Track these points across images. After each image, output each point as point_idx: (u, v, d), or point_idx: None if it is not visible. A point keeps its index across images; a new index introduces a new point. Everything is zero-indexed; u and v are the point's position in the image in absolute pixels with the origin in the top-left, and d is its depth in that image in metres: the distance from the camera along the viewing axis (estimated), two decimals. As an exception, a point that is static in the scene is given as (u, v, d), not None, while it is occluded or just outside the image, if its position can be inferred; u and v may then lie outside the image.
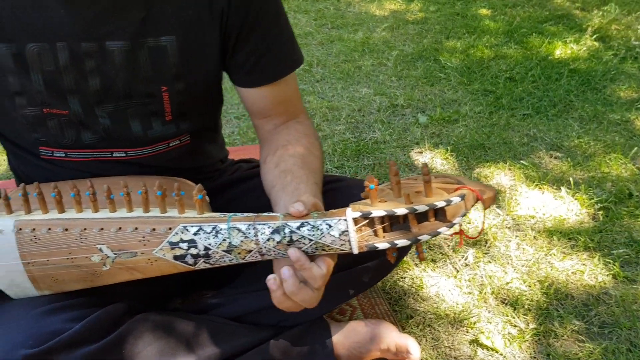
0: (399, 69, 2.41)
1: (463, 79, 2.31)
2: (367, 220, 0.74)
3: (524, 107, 2.09)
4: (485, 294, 1.25)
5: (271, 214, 0.78)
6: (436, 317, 1.20)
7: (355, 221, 0.74)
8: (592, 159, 1.78)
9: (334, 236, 0.74)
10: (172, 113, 0.96)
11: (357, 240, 0.74)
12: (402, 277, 1.30)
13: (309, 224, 0.74)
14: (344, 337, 1.04)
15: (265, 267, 0.94)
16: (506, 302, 1.24)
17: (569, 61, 2.48)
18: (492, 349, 1.12)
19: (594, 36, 2.74)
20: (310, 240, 0.74)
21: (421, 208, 0.73)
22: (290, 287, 0.76)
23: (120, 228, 0.79)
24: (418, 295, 1.26)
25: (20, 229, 0.81)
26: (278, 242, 0.75)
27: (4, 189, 0.86)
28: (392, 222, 0.75)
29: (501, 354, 1.11)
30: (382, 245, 0.74)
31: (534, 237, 1.43)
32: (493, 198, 0.80)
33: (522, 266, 1.34)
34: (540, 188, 1.63)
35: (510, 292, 1.26)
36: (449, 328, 1.17)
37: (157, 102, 0.94)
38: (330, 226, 0.74)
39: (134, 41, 0.88)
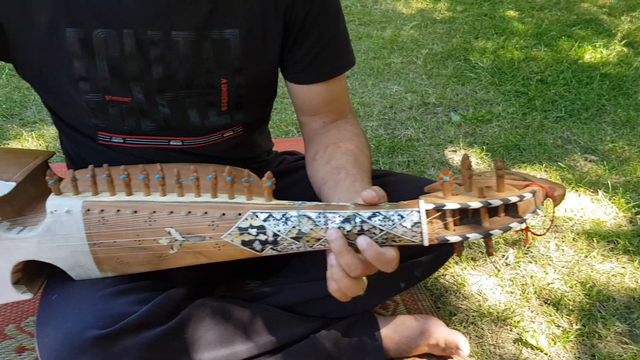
0: (428, 68, 2.41)
1: (494, 80, 2.30)
2: (439, 213, 0.74)
3: (557, 109, 2.09)
4: (527, 293, 1.25)
5: (341, 203, 0.78)
6: (479, 315, 1.20)
7: (427, 213, 0.74)
8: (627, 163, 1.77)
9: (405, 227, 0.74)
10: (228, 104, 0.96)
11: (428, 233, 0.74)
12: (443, 275, 1.30)
13: (380, 214, 0.74)
14: (392, 331, 1.04)
15: (314, 259, 0.94)
16: (548, 302, 1.24)
17: (599, 65, 2.47)
18: (537, 348, 1.12)
19: (623, 41, 2.73)
20: (382, 230, 0.74)
21: (495, 202, 0.73)
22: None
23: (189, 212, 0.80)
24: (460, 292, 1.26)
25: (88, 210, 0.82)
26: (348, 231, 0.75)
27: (72, 170, 0.87)
28: (462, 216, 0.76)
29: (546, 354, 1.11)
30: (453, 238, 0.74)
31: (573, 239, 1.43)
32: (563, 195, 0.79)
33: (562, 267, 1.34)
34: (576, 190, 1.63)
35: (552, 293, 1.26)
36: (492, 326, 1.17)
37: (215, 93, 0.94)
38: (402, 217, 0.74)
39: (199, 32, 0.88)
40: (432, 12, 3.15)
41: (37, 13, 0.85)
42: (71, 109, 0.94)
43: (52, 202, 0.82)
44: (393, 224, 0.74)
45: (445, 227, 0.75)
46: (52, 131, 1.83)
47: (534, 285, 1.28)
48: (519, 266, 1.34)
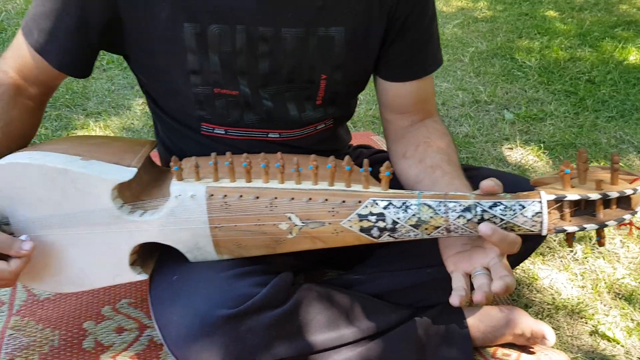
0: (475, 66, 2.43)
1: (542, 79, 2.32)
2: (558, 204, 0.77)
3: (608, 109, 2.10)
4: (599, 287, 1.28)
5: (460, 193, 0.81)
6: (554, 308, 1.23)
7: (547, 204, 0.77)
8: (682, 164, 1.79)
9: (526, 217, 0.77)
10: (323, 98, 1.00)
11: (547, 223, 0.77)
12: (514, 269, 1.33)
13: (502, 204, 0.78)
14: (478, 320, 1.07)
15: (401, 249, 0.98)
16: (620, 296, 1.26)
17: (645, 67, 2.49)
18: (614, 340, 1.15)
19: (667, 43, 2.74)
20: (502, 219, 0.78)
21: (612, 194, 0.76)
22: None
23: (310, 199, 0.83)
24: (532, 286, 1.29)
25: (212, 195, 0.86)
26: (468, 220, 0.79)
27: (194, 156, 0.91)
28: (576, 208, 0.79)
29: (622, 346, 1.14)
30: (571, 228, 0.78)
31: (638, 235, 1.45)
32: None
33: (630, 263, 1.36)
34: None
35: (623, 287, 1.29)
36: (567, 319, 1.20)
37: (313, 88, 0.98)
38: (523, 207, 0.77)
39: (307, 29, 0.92)
40: (472, 11, 3.17)
41: (156, 8, 0.89)
42: (178, 100, 0.98)
43: (177, 187, 0.86)
44: (514, 214, 0.77)
45: (562, 218, 0.78)
46: (116, 122, 1.88)
47: (604, 280, 1.30)
48: (587, 261, 1.36)
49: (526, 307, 1.23)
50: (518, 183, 0.96)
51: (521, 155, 1.82)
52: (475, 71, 2.38)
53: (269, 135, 1.01)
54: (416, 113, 1.05)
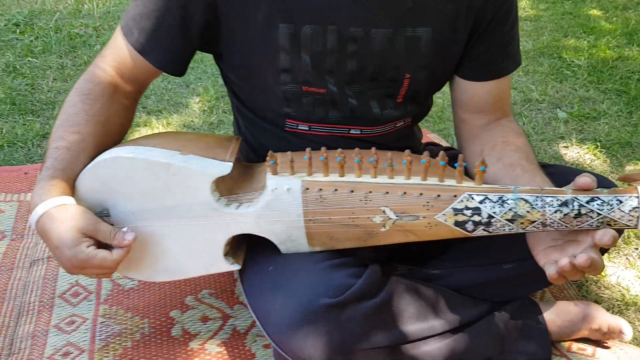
0: (524, 64, 2.43)
1: (592, 78, 2.31)
2: (655, 199, 0.79)
3: (662, 109, 2.09)
4: (668, 285, 1.28)
5: (556, 188, 0.83)
6: (624, 304, 1.23)
7: (644, 199, 0.78)
8: None
9: (623, 212, 0.79)
10: (404, 97, 1.02)
11: (644, 217, 0.79)
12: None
13: (599, 199, 0.79)
14: (555, 315, 1.09)
15: (477, 245, 1.00)
16: (690, 295, 1.27)
17: (695, 66, 2.46)
18: (688, 338, 1.15)
19: None
20: (599, 214, 0.79)
21: None
22: None
23: (405, 193, 0.86)
24: (600, 283, 1.29)
25: (307, 189, 0.89)
26: (565, 215, 0.80)
27: (289, 152, 0.94)
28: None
29: (696, 344, 1.15)
30: (667, 223, 0.79)
31: (703, 235, 1.45)
32: None
33: (696, 263, 1.36)
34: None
35: (692, 286, 1.29)
36: (639, 315, 1.21)
37: (395, 87, 1.00)
38: (620, 202, 0.79)
39: (395, 30, 0.94)
40: (515, 10, 3.16)
41: (253, 9, 0.92)
42: (265, 98, 1.02)
43: (273, 181, 0.90)
44: (611, 208, 0.79)
45: (656, 213, 0.79)
46: (177, 119, 1.93)
47: (673, 278, 1.31)
48: (654, 259, 1.37)
49: (597, 303, 1.23)
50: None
51: (577, 153, 1.82)
52: (524, 70, 2.38)
53: (351, 132, 1.04)
54: (492, 112, 1.07)
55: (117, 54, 0.98)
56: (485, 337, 1.00)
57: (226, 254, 0.96)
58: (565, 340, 1.10)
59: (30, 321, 1.09)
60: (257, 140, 1.10)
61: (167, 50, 0.96)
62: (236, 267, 0.96)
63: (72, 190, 0.91)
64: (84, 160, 0.93)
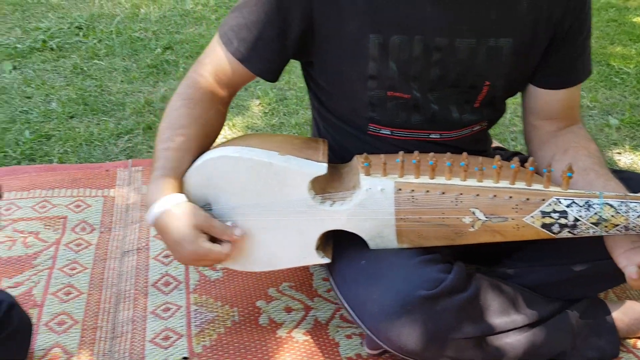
0: (572, 72, 2.46)
1: (642, 86, 2.34)
2: None
3: None
4: None
5: (638, 194, 0.89)
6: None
7: None
8: None
9: None
10: (482, 102, 1.08)
11: None
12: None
13: (682, 205, 0.85)
14: (622, 313, 1.13)
15: (550, 246, 1.04)
16: None
17: None
18: None
19: None
20: (681, 219, 0.85)
21: None
22: None
23: (495, 195, 0.92)
24: (661, 286, 1.33)
25: (400, 190, 0.96)
26: (649, 219, 0.86)
27: (382, 155, 1.00)
28: None
29: None
30: None
31: None
32: None
33: None
34: None
35: None
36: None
37: (474, 93, 1.06)
38: (702, 208, 0.84)
39: (479, 40, 1.00)
40: (559, 16, 3.19)
41: (347, 21, 0.99)
42: (351, 103, 1.09)
43: (367, 181, 0.97)
44: (694, 214, 0.84)
45: None
46: (240, 121, 2.01)
47: None
48: None
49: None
50: None
51: (631, 160, 1.85)
52: (573, 77, 2.42)
53: (430, 136, 1.10)
54: (563, 119, 1.12)
55: (215, 62, 1.06)
56: (560, 333, 1.06)
57: (317, 248, 1.03)
58: (631, 338, 1.15)
59: (128, 307, 1.18)
60: (337, 142, 1.17)
61: (265, 59, 1.04)
62: (326, 261, 1.04)
63: (181, 186, 0.99)
64: (189, 159, 1.01)
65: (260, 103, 2.12)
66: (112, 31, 2.66)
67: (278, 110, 2.07)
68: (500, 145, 1.56)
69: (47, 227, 1.40)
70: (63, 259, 1.30)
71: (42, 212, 1.45)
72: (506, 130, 1.97)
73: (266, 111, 2.06)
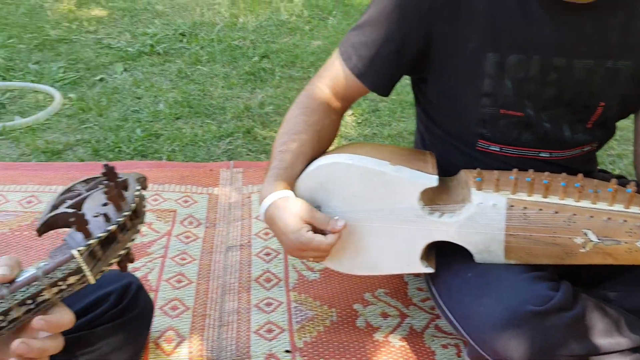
0: None
1: None
2: None
3: None
4: None
5: None
6: None
7: None
8: None
9: None
10: (594, 122, 1.08)
11: None
12: None
13: None
14: None
15: None
16: None
17: None
18: None
19: None
20: None
21: None
22: None
23: (609, 218, 0.93)
24: None
25: (512, 206, 0.98)
26: None
27: (496, 171, 1.02)
28: None
29: None
30: None
31: None
32: None
33: None
34: None
35: None
36: None
37: (587, 112, 1.07)
38: None
39: (597, 61, 1.01)
40: None
41: (465, 41, 1.02)
42: (461, 119, 1.11)
43: (478, 196, 0.99)
44: None
45: None
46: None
47: None
48: None
49: None
50: None
51: None
52: None
53: (540, 155, 1.11)
54: None
55: (333, 75, 1.12)
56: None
57: (421, 257, 1.06)
58: None
59: (233, 299, 1.25)
60: (442, 156, 1.19)
61: (380, 75, 1.09)
62: (430, 270, 1.07)
63: (292, 188, 1.06)
64: (302, 162, 1.08)
65: (353, 113, 2.18)
66: (212, 39, 2.80)
67: (371, 121, 2.12)
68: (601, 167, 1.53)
69: (159, 219, 1.51)
70: (174, 249, 1.40)
71: (155, 205, 1.56)
72: (604, 154, 1.93)
73: (359, 121, 2.12)
